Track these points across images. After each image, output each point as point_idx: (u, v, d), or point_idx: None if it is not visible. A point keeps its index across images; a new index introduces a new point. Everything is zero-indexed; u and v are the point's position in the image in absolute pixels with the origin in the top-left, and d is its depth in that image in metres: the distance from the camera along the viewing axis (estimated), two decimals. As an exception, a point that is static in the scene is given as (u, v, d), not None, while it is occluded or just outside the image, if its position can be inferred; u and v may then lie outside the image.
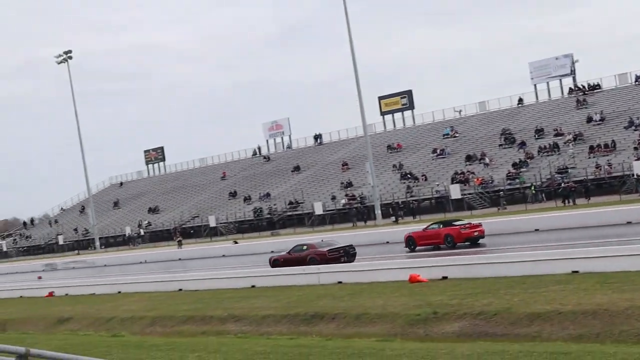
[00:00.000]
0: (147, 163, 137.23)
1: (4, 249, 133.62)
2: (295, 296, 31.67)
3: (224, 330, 29.51)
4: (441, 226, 47.14)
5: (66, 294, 46.33)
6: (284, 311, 29.48)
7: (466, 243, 44.95)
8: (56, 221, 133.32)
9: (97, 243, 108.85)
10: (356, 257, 42.98)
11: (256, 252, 63.04)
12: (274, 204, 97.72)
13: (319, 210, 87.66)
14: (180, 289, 39.80)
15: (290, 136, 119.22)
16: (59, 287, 49.33)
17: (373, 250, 49.79)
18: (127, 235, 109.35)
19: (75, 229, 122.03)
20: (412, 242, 47.38)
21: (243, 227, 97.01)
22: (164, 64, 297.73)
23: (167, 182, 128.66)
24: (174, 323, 32.17)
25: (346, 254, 42.57)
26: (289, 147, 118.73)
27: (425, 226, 49.18)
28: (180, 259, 69.44)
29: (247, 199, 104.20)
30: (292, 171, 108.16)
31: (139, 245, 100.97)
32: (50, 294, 46.99)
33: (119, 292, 42.67)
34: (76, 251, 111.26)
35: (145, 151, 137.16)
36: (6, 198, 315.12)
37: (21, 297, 48.94)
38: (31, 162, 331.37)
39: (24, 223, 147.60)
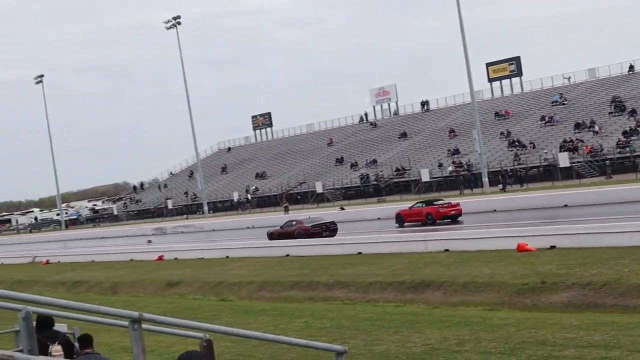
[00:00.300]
0: (254, 129, 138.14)
1: (115, 212, 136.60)
2: (402, 263, 31.57)
3: (330, 296, 29.64)
4: (423, 205, 53.07)
5: (175, 258, 47.07)
6: (391, 278, 29.45)
7: (446, 220, 50.48)
8: (165, 185, 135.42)
9: (205, 208, 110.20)
10: (337, 232, 49.40)
11: (362, 218, 63.08)
12: (381, 171, 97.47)
13: (425, 177, 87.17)
14: (288, 255, 40.02)
15: (397, 102, 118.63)
16: (168, 251, 50.15)
17: (480, 218, 49.35)
18: (235, 200, 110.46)
19: (186, 193, 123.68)
20: (400, 219, 53.16)
21: (349, 194, 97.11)
22: (270, 29, 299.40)
23: (274, 148, 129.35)
24: (281, 288, 32.43)
25: (327, 229, 49.46)
26: (396, 113, 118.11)
27: (411, 204, 55.07)
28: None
29: (353, 166, 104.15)
30: (398, 138, 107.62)
31: (247, 211, 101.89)
32: (160, 258, 47.79)
33: (227, 257, 43.12)
34: (185, 215, 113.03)
35: (253, 117, 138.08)
36: (117, 162, 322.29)
37: (131, 260, 49.90)
38: (141, 127, 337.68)
39: (134, 187, 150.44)
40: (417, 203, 54.72)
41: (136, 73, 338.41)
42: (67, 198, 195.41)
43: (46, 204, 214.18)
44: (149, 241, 70.95)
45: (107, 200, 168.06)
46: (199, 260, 44.10)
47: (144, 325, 5.24)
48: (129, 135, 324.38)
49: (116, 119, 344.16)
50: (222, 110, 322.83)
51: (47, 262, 57.28)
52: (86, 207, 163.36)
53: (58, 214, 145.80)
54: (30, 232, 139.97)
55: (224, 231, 72.31)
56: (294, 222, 51.89)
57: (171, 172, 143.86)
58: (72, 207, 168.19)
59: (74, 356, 9.98)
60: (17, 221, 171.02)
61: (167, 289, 37.73)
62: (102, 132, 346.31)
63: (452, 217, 51.39)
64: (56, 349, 9.89)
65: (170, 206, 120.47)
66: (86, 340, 9.70)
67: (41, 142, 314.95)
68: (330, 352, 9.64)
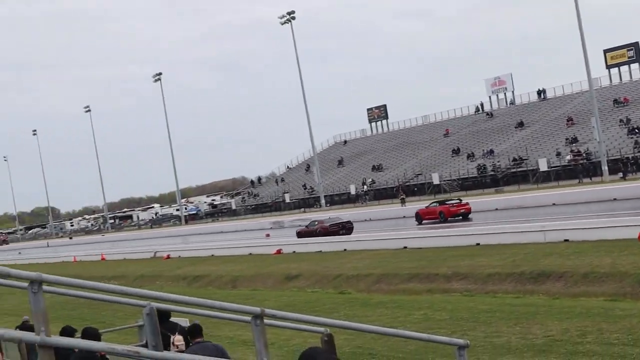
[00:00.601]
0: (370, 121, 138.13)
1: (233, 207, 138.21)
2: (521, 254, 31.19)
3: (449, 288, 29.48)
4: (438, 205, 60.21)
5: (293, 252, 47.42)
6: (510, 269, 29.14)
7: (458, 217, 57.59)
8: (282, 179, 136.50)
9: (323, 201, 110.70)
10: (353, 230, 57.41)
11: (480, 209, 62.54)
12: (498, 161, 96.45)
13: (543, 166, 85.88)
14: (405, 247, 39.93)
15: (513, 92, 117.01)
16: (286, 244, 50.57)
17: (599, 207, 48.44)
18: (352, 193, 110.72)
19: (304, 185, 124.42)
20: (419, 217, 60.56)
21: (466, 185, 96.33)
22: (383, 21, 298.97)
23: (390, 140, 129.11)
24: (399, 281, 32.39)
25: (344, 228, 57.91)
26: (512, 102, 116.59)
27: (428, 204, 62.60)
28: (404, 217, 69.76)
29: (470, 156, 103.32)
30: (515, 127, 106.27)
31: (366, 203, 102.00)
32: (278, 252, 48.22)
33: (345, 250, 43.25)
34: (302, 209, 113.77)
35: (368, 109, 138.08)
36: (234, 157, 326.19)
37: (250, 254, 50.46)
38: (258, 121, 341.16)
39: (252, 182, 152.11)
40: (433, 203, 62.00)
41: (251, 68, 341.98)
42: (187, 193, 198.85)
43: (166, 199, 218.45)
44: (267, 235, 71.67)
45: (225, 195, 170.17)
46: (317, 254, 44.34)
47: (265, 320, 5.34)
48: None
49: (233, 114, 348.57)
50: (337, 103, 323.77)
51: (168, 257, 58.39)
52: (205, 202, 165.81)
53: (178, 210, 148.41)
54: (151, 227, 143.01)
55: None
56: (316, 222, 61.00)
57: (288, 166, 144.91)
58: (192, 203, 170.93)
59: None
60: (138, 217, 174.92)
61: (286, 282, 38.03)
62: (220, 127, 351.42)
63: (463, 215, 58.26)
64: (178, 338, 10.22)
65: (287, 200, 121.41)
66: (196, 330, 9.99)
67: (161, 139, 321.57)
68: (452, 346, 9.58)
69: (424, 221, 59.08)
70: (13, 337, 4.56)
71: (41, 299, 4.27)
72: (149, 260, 60.04)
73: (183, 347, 10.56)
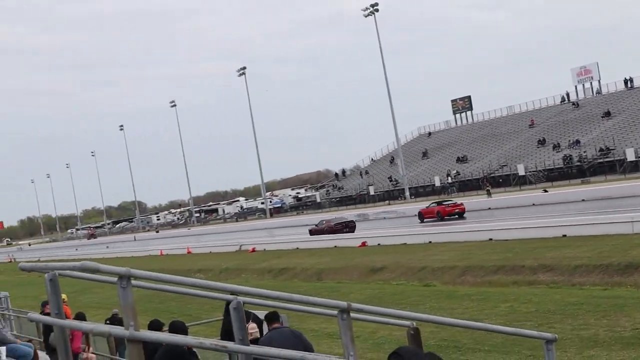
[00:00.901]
0: (454, 112, 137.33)
1: (318, 200, 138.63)
2: (608, 245, 30.68)
3: (535, 280, 29.17)
4: (436, 205, 67.69)
5: (378, 244, 47.35)
6: (596, 261, 28.69)
7: (454, 216, 64.31)
8: (367, 172, 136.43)
9: (407, 193, 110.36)
10: (355, 229, 65.55)
11: (566, 200, 61.70)
12: (584, 151, 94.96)
13: (631, 156, 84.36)
14: (490, 239, 39.58)
15: (599, 81, 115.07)
16: (371, 237, 50.54)
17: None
18: (436, 185, 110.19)
19: (390, 178, 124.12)
20: (421, 216, 67.73)
21: (552, 175, 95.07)
22: (465, 13, 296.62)
23: (475, 131, 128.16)
24: (485, 273, 32.14)
25: (347, 227, 66.64)
26: (599, 92, 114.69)
27: (428, 204, 70.63)
28: (489, 208, 69.22)
29: (556, 147, 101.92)
30: (602, 117, 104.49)
31: (451, 195, 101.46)
32: (363, 244, 48.22)
33: (430, 242, 43.07)
34: (387, 201, 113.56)
35: (452, 100, 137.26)
36: (319, 150, 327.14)
37: (335, 247, 50.53)
38: (341, 114, 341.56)
39: (336, 174, 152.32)
40: (432, 203, 69.76)
41: (335, 61, 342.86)
42: (271, 187, 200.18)
43: (251, 193, 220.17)
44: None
45: (309, 188, 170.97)
46: (402, 246, 44.21)
47: (351, 314, 5.35)
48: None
49: (316, 107, 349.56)
50: (421, 95, 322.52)
51: (254, 250, 58.82)
52: (290, 195, 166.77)
53: (263, 203, 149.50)
54: (237, 220, 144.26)
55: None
56: (324, 222, 70.33)
57: (372, 159, 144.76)
58: (276, 196, 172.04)
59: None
60: (223, 210, 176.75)
61: (371, 274, 38.02)
62: (303, 121, 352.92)
63: (458, 214, 65.27)
64: (252, 326, 10.32)
65: (372, 192, 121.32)
66: (274, 317, 10.10)
67: (245, 133, 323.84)
68: (539, 340, 9.47)
69: (425, 219, 66.18)
70: (103, 332, 4.64)
71: (130, 294, 4.33)
72: (235, 253, 60.57)
73: (257, 335, 10.70)
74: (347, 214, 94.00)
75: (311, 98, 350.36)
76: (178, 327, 11.54)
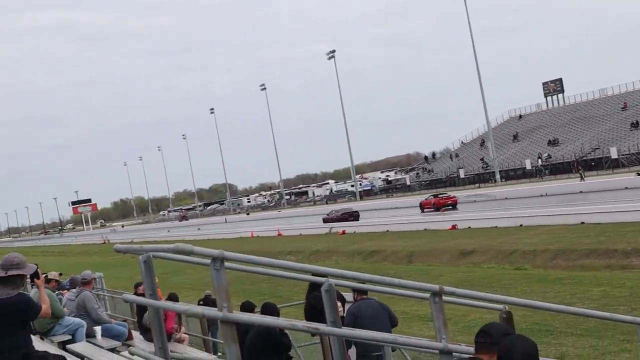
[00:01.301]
0: (545, 95, 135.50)
1: (408, 182, 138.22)
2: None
3: (628, 264, 28.69)
4: (432, 197, 79.44)
5: (468, 227, 47.04)
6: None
7: (448, 207, 74.75)
8: (457, 155, 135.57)
9: (497, 176, 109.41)
10: (359, 218, 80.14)
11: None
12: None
13: None
14: (582, 222, 38.99)
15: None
16: (461, 220, 50.26)
17: None
18: (527, 168, 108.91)
19: (482, 159, 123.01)
20: (421, 207, 78.87)
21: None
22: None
23: (566, 114, 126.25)
24: (577, 256, 31.71)
25: (351, 216, 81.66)
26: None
27: (427, 196, 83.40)
28: (581, 192, 68.18)
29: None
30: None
31: (542, 178, 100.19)
32: (453, 227, 47.96)
33: (521, 225, 42.61)
34: (477, 184, 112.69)
35: (544, 83, 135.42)
36: (409, 133, 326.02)
37: (425, 229, 50.35)
38: (432, 97, 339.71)
39: (426, 157, 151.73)
40: (430, 196, 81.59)
41: (425, 44, 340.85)
42: (361, 169, 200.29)
43: (341, 175, 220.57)
44: (442, 210, 71.41)
45: (399, 170, 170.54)
46: (492, 229, 43.83)
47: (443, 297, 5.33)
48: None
49: (406, 90, 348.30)
50: (512, 78, 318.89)
51: (343, 233, 58.91)
52: (379, 177, 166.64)
53: (352, 185, 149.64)
54: (326, 203, 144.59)
55: (516, 199, 71.48)
56: (333, 212, 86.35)
57: (462, 142, 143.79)
58: (366, 178, 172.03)
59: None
60: (313, 193, 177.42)
61: (461, 257, 37.81)
62: (393, 104, 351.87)
63: (451, 205, 75.61)
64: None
65: (462, 175, 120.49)
66: (363, 289, 10.19)
67: (335, 116, 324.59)
68: (633, 324, 9.30)
69: (425, 210, 77.21)
70: (196, 313, 4.69)
71: (223, 276, 4.37)
72: (325, 236, 60.74)
73: (342, 313, 10.81)
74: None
75: (401, 81, 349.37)
76: (270, 309, 11.66)
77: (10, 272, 8.37)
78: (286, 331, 10.15)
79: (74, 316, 14.32)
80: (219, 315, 4.29)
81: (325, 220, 79.95)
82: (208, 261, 4.36)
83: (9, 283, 8.41)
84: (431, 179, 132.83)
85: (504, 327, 4.84)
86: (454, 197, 78.14)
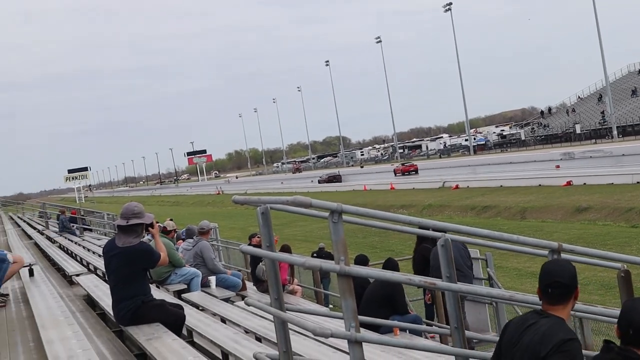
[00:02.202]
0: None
1: (522, 137, 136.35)
2: None
3: None
4: (400, 165, 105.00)
5: (584, 183, 46.28)
6: None
7: (411, 173, 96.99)
8: (573, 110, 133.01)
9: (615, 132, 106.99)
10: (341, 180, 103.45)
11: None
12: None
13: None
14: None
15: None
16: (576, 176, 49.42)
17: None
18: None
19: (602, 112, 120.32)
20: (395, 172, 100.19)
21: None
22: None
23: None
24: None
25: (335, 179, 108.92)
26: None
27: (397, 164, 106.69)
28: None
29: None
30: None
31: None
32: (568, 183, 47.24)
33: (638, 183, 41.71)
34: (593, 140, 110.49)
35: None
36: (523, 87, 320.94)
37: (539, 185, 49.75)
38: (548, 51, 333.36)
39: (542, 112, 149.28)
40: (398, 164, 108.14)
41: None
42: (475, 124, 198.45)
43: (455, 129, 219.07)
44: (557, 167, 70.29)
45: (514, 125, 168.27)
46: (608, 186, 43.03)
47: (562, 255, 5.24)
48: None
49: (524, 44, 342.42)
50: (634, 31, 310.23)
51: (456, 187, 58.66)
52: (494, 132, 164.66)
53: (466, 140, 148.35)
54: (440, 157, 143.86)
55: (634, 156, 69.86)
56: (325, 175, 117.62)
57: (579, 96, 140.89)
58: (480, 133, 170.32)
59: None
60: (427, 147, 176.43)
61: (575, 214, 37.29)
62: (510, 57, 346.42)
63: (412, 171, 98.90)
64: None
65: (578, 131, 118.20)
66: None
67: (450, 69, 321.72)
68: None
69: (396, 175, 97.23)
70: (314, 266, 4.71)
71: (341, 229, 4.38)
72: (437, 190, 60.58)
73: None
74: (553, 152, 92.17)
75: (519, 34, 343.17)
76: (392, 265, 11.78)
77: (132, 221, 8.58)
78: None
79: (189, 265, 14.61)
80: (336, 269, 4.30)
81: (319, 182, 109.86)
82: (325, 214, 4.38)
83: (131, 232, 8.64)
84: (546, 134, 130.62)
85: (568, 267, 4.70)
86: (415, 165, 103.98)
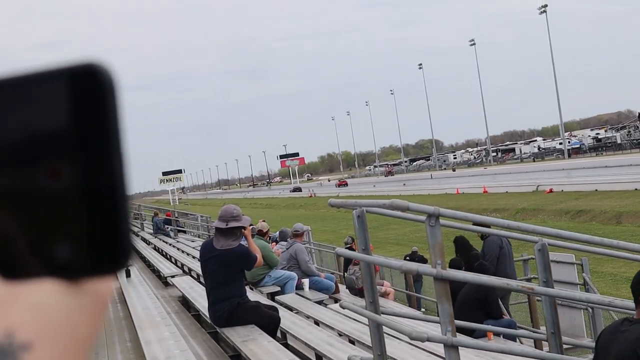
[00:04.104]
0: None
1: (618, 141, 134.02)
2: None
3: None
4: (338, 181, 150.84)
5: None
6: None
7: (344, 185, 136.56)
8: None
9: None
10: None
11: None
12: None
13: None
14: None
15: None
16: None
17: None
18: None
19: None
20: (337, 185, 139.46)
21: None
22: None
23: None
24: None
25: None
26: None
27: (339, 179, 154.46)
28: None
29: None
30: None
31: None
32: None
33: None
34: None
35: None
36: (619, 89, 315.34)
37: (636, 189, 48.79)
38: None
39: (638, 115, 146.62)
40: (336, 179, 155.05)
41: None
42: (570, 127, 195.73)
43: (549, 132, 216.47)
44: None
45: (610, 128, 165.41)
46: None
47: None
48: None
49: (619, 46, 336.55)
50: None
51: (551, 191, 57.85)
52: (589, 135, 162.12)
53: (561, 143, 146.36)
54: (534, 160, 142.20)
55: None
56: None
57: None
58: (575, 136, 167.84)
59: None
60: (520, 150, 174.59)
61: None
62: (608, 59, 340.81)
63: (344, 185, 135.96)
64: None
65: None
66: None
67: (544, 71, 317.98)
68: None
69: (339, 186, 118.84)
70: (411, 269, 4.72)
71: (438, 233, 4.38)
72: (531, 194, 59.84)
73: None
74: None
75: (615, 36, 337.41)
76: (483, 269, 11.72)
77: (230, 224, 8.70)
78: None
79: (282, 268, 14.69)
80: (433, 272, 4.30)
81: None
82: (422, 217, 4.38)
83: (230, 234, 8.75)
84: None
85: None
86: (345, 180, 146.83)
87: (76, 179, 0.56)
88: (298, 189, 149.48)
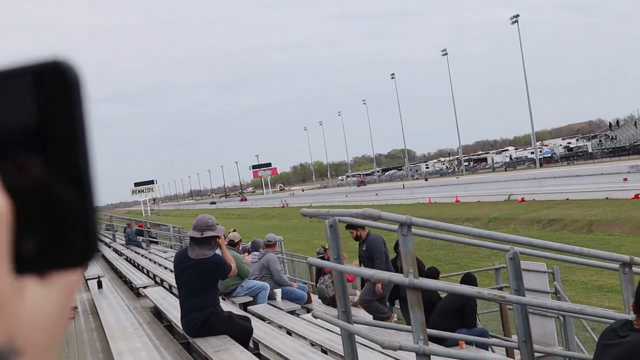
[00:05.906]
0: None
1: (590, 150, 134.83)
2: None
3: None
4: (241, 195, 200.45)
5: (653, 197, 45.63)
6: None
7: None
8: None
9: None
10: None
11: None
12: None
13: None
14: None
15: None
16: (645, 189, 48.75)
17: None
18: None
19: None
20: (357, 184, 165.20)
21: None
22: None
23: None
24: None
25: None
26: None
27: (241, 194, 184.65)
28: None
29: None
30: None
31: None
32: (637, 196, 46.54)
33: None
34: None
35: None
36: (590, 99, 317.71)
37: (607, 198, 49.09)
38: (616, 63, 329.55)
39: (610, 124, 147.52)
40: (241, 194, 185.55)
41: (608, 9, 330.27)
42: (542, 136, 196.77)
43: (521, 142, 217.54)
44: (625, 179, 69.28)
45: (581, 138, 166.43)
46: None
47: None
48: (616, 68, 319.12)
49: (590, 56, 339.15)
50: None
51: (522, 200, 58.11)
52: (560, 145, 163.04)
53: (532, 153, 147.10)
54: (506, 170, 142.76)
55: None
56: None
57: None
58: (547, 145, 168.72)
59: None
60: (492, 159, 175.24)
61: (644, 228, 36.75)
62: (576, 70, 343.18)
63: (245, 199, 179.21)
64: None
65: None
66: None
67: (516, 82, 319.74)
68: None
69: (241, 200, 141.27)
70: (383, 279, 4.73)
71: (410, 241, 4.38)
72: (503, 203, 60.06)
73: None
74: (620, 165, 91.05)
75: (587, 46, 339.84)
76: (470, 279, 11.73)
77: (206, 233, 8.70)
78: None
79: (255, 278, 14.67)
80: (405, 281, 4.30)
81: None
82: (394, 227, 4.38)
83: (205, 244, 8.75)
84: (614, 146, 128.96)
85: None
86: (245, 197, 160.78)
87: (43, 174, 0.56)
88: (213, 203, 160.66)
